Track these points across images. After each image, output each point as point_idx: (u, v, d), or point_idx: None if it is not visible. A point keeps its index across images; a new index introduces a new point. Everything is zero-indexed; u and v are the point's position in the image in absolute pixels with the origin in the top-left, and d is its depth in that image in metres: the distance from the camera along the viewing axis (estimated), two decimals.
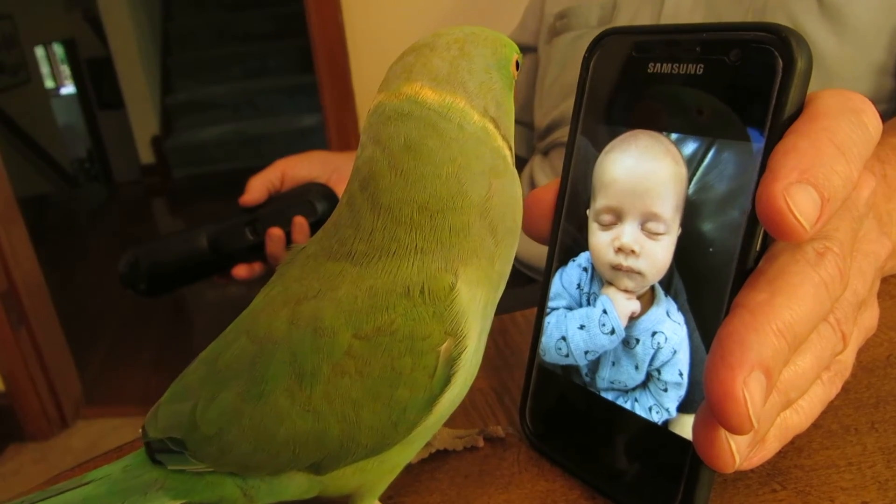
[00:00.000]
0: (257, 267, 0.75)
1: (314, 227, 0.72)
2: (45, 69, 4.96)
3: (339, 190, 0.74)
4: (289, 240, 0.72)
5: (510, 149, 0.26)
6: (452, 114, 0.24)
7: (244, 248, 0.73)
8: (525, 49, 0.83)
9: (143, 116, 4.14)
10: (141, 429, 0.28)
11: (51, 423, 1.85)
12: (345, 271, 0.25)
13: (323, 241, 0.26)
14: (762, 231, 0.24)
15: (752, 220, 0.24)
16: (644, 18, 0.67)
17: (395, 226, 0.24)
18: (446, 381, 0.24)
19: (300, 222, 0.71)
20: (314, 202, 0.72)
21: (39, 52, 4.75)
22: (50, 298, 1.90)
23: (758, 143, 0.23)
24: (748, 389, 0.20)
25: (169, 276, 0.74)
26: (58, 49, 5.11)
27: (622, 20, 0.69)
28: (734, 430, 0.20)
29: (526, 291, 0.75)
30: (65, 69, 5.18)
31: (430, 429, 0.26)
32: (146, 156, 4.20)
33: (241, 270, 0.75)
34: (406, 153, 0.24)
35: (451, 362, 0.24)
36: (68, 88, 5.20)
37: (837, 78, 0.57)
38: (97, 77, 4.60)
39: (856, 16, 0.56)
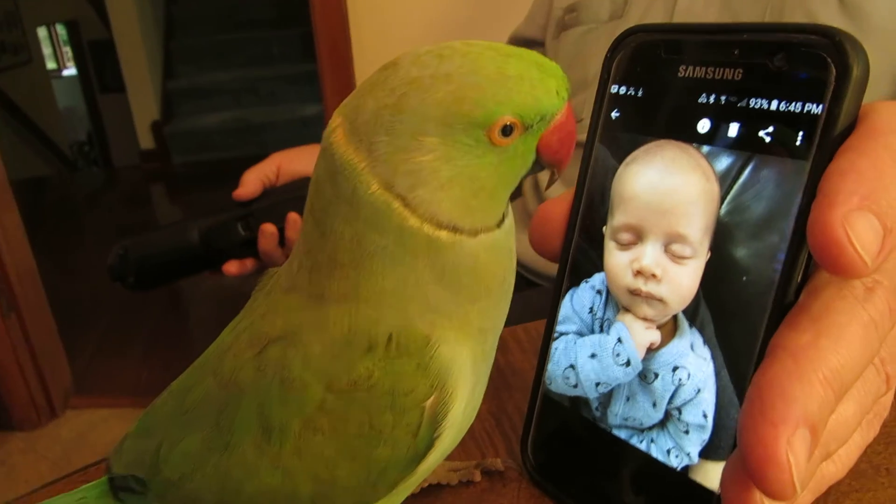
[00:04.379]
0: (249, 263, 0.73)
1: None
2: (47, 50, 4.93)
3: None
4: (282, 236, 0.70)
5: (454, 229, 0.21)
6: (347, 172, 0.21)
7: (236, 244, 0.71)
8: (532, 43, 0.81)
9: (143, 101, 4.11)
10: (105, 461, 0.26)
11: (39, 412, 1.83)
12: (303, 311, 0.22)
13: (287, 268, 0.24)
14: (805, 260, 0.21)
15: (794, 247, 0.21)
16: (657, 13, 0.65)
17: (322, 268, 0.22)
18: (431, 441, 0.22)
19: (294, 219, 0.69)
20: None
21: (42, 32, 4.73)
22: (41, 285, 1.88)
23: (804, 161, 0.21)
24: (793, 451, 0.17)
25: (158, 270, 0.72)
26: (60, 30, 5.08)
27: (634, 14, 0.66)
28: (774, 497, 0.18)
29: (525, 297, 0.72)
30: (67, 50, 5.15)
31: (414, 483, 0.24)
32: (146, 141, 4.17)
33: (231, 266, 0.73)
34: (317, 190, 0.22)
35: (438, 421, 0.21)
36: (70, 70, 5.17)
37: None
38: (99, 59, 4.57)
39: (878, 15, 0.54)
